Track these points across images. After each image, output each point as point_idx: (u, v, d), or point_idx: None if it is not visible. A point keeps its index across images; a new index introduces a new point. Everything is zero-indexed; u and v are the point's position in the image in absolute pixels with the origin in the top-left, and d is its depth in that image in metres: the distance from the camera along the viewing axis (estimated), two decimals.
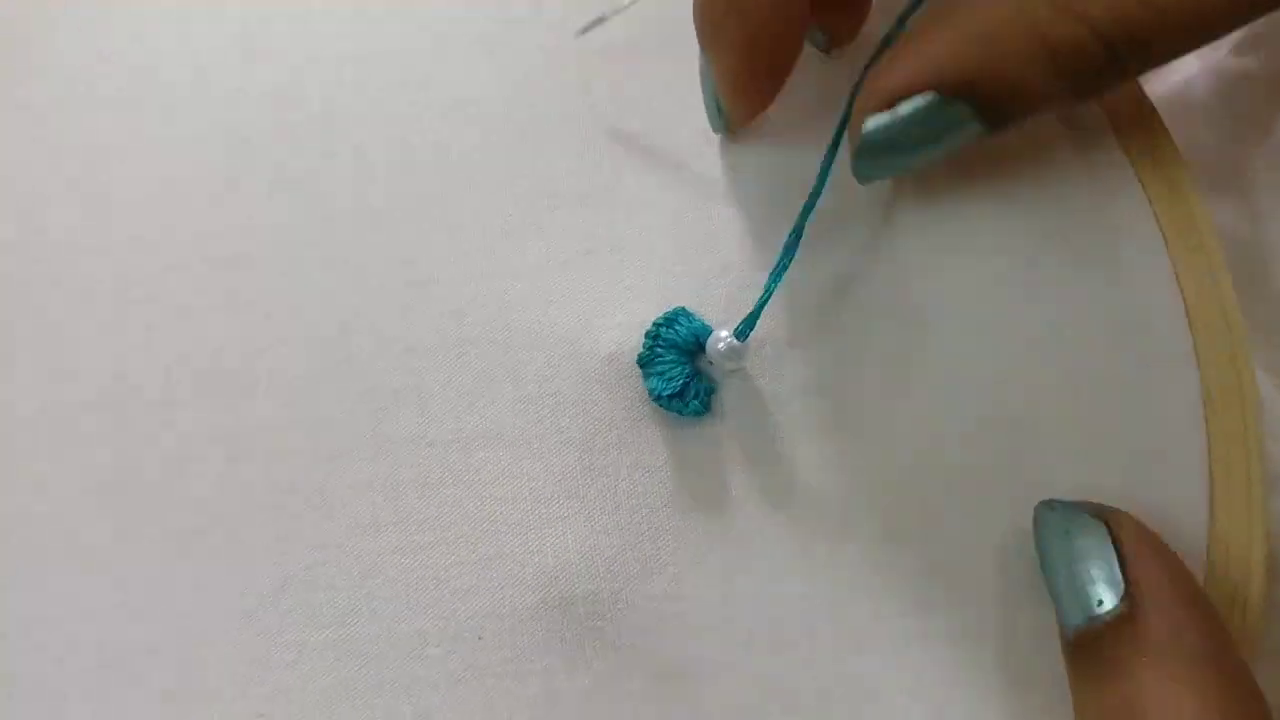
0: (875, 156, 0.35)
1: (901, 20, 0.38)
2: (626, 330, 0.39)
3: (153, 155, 0.41)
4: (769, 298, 0.37)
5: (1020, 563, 0.36)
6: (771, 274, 0.37)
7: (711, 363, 0.38)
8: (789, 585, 0.37)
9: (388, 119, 0.41)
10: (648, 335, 0.38)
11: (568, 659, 0.37)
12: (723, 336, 0.37)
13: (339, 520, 0.38)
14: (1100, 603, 0.32)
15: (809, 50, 0.40)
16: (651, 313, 0.39)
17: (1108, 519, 0.33)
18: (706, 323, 0.38)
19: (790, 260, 0.37)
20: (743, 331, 0.37)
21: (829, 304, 0.39)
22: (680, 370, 0.38)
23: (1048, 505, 0.35)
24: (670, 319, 0.38)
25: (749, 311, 0.37)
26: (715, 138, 0.40)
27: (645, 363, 0.38)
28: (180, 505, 0.38)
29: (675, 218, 0.40)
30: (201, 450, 0.39)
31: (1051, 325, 0.38)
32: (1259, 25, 0.45)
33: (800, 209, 0.37)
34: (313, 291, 0.40)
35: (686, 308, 0.38)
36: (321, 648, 0.37)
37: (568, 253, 0.40)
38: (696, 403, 0.37)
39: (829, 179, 0.37)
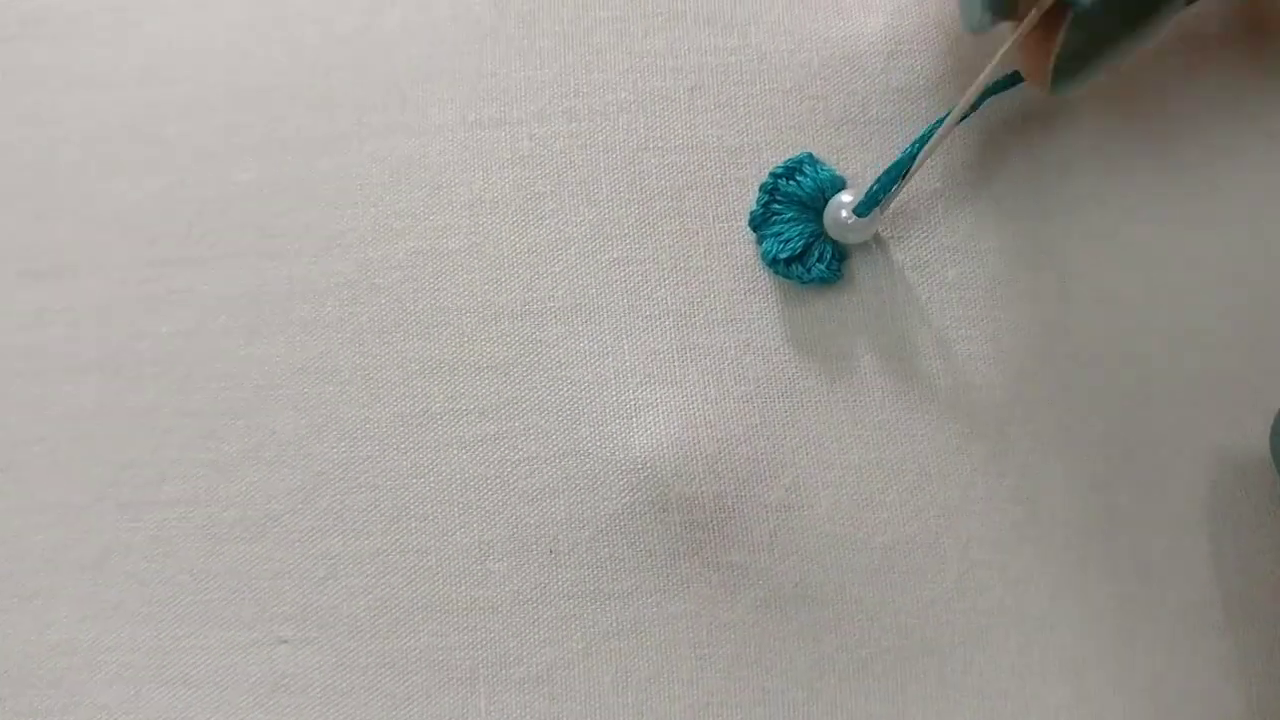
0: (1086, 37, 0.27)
1: None
2: (738, 182, 0.31)
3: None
4: (904, 171, 0.29)
5: (1231, 485, 0.29)
6: (916, 141, 0.29)
7: (831, 234, 0.31)
8: (934, 495, 0.30)
9: None
10: (763, 188, 0.31)
11: (658, 579, 0.30)
12: (845, 201, 0.30)
13: (382, 405, 0.31)
14: None
15: None
16: (773, 164, 0.31)
17: None
18: (838, 173, 0.31)
19: (941, 126, 0.29)
20: (865, 206, 0.30)
21: (993, 158, 0.31)
22: (801, 230, 0.30)
23: None
24: (792, 168, 0.31)
25: (876, 178, 0.30)
26: None
27: (759, 222, 0.31)
28: (200, 383, 0.32)
29: (803, 45, 0.32)
30: (222, 319, 0.32)
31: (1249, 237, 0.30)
32: None
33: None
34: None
35: (814, 154, 0.31)
36: (359, 559, 0.31)
37: (671, 87, 0.32)
38: (821, 267, 0.30)
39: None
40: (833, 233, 0.30)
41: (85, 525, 0.32)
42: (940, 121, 0.29)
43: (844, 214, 0.30)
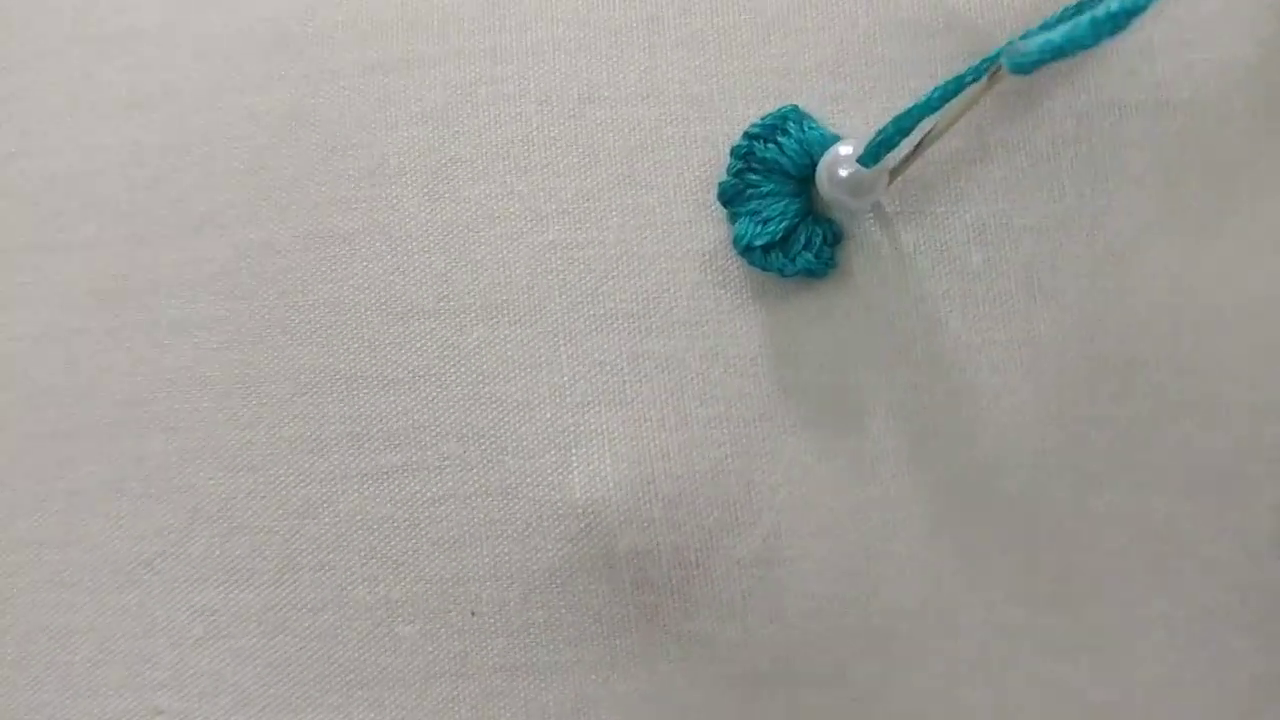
0: None
1: None
2: (706, 142, 0.25)
3: None
4: (924, 112, 0.23)
5: None
6: (945, 84, 0.23)
7: (825, 197, 0.24)
8: (952, 545, 0.24)
9: None
10: (735, 152, 0.24)
11: (604, 651, 0.25)
12: (843, 154, 0.23)
13: (267, 427, 0.26)
14: None
15: None
16: (750, 119, 0.25)
17: None
18: (828, 130, 0.24)
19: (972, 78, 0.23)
20: (871, 154, 0.23)
21: (1024, 113, 0.24)
22: (784, 208, 0.24)
23: None
24: (772, 126, 0.24)
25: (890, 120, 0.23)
26: None
27: (731, 196, 0.24)
28: (51, 398, 0.26)
29: None
30: (75, 319, 0.26)
31: None
32: None
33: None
34: None
35: (800, 107, 0.24)
36: (243, 616, 0.26)
37: (623, 18, 0.26)
38: (808, 255, 0.24)
39: None
40: (827, 194, 0.24)
41: None
42: (988, 61, 0.23)
43: (842, 171, 0.23)
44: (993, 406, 0.24)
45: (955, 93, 0.23)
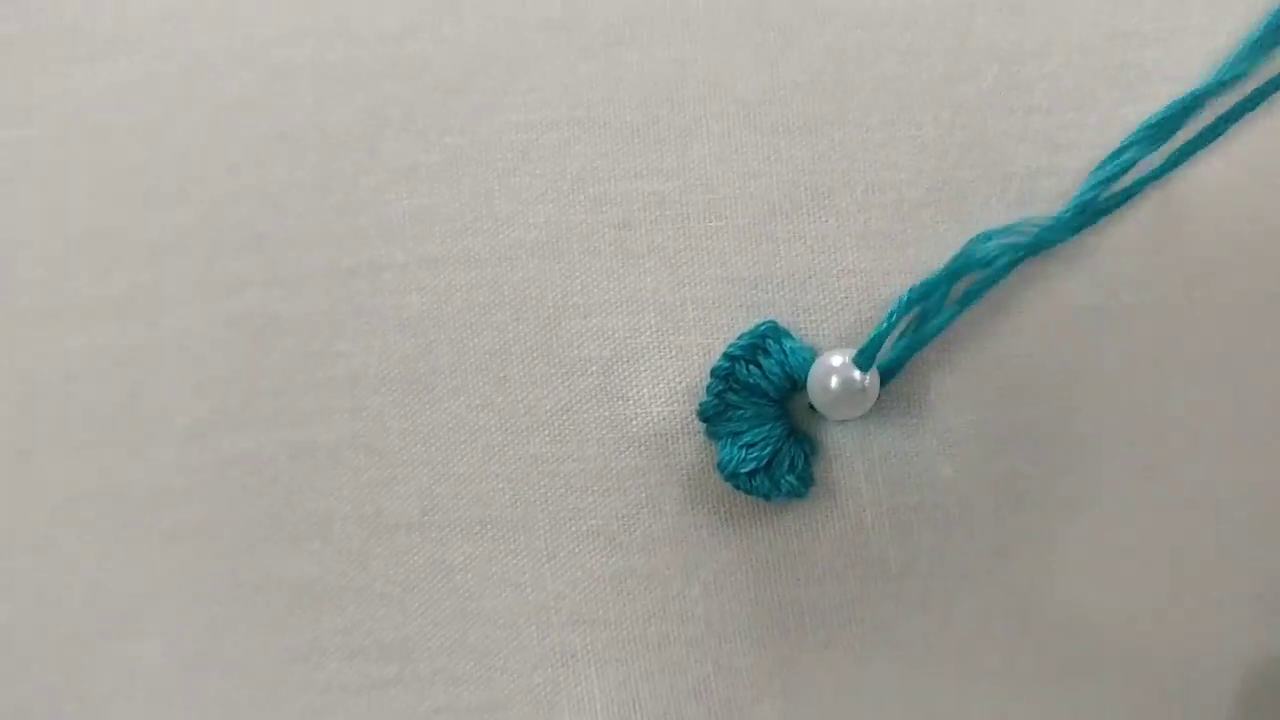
0: None
1: None
2: (681, 353, 0.25)
3: None
4: (904, 312, 0.23)
5: None
6: (928, 282, 0.23)
7: (814, 407, 0.24)
8: None
9: None
10: (716, 373, 0.24)
11: None
12: (834, 365, 0.23)
13: (264, 635, 0.26)
14: None
15: None
16: (723, 330, 0.24)
17: None
18: (808, 345, 0.24)
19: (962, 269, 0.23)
20: (865, 357, 0.23)
21: (1014, 315, 0.24)
22: (768, 432, 0.24)
23: None
24: (753, 344, 0.24)
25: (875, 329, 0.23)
26: None
27: (711, 416, 0.24)
28: (48, 604, 0.27)
29: (760, 170, 0.25)
30: (75, 529, 0.27)
31: None
32: None
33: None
34: None
35: (778, 323, 0.24)
36: None
37: (594, 223, 0.25)
38: (791, 479, 0.24)
39: None
40: (821, 407, 0.24)
41: None
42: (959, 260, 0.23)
43: (835, 382, 0.24)
44: (963, 616, 0.25)
45: (926, 295, 0.23)
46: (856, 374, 0.24)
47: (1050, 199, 0.25)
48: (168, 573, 0.26)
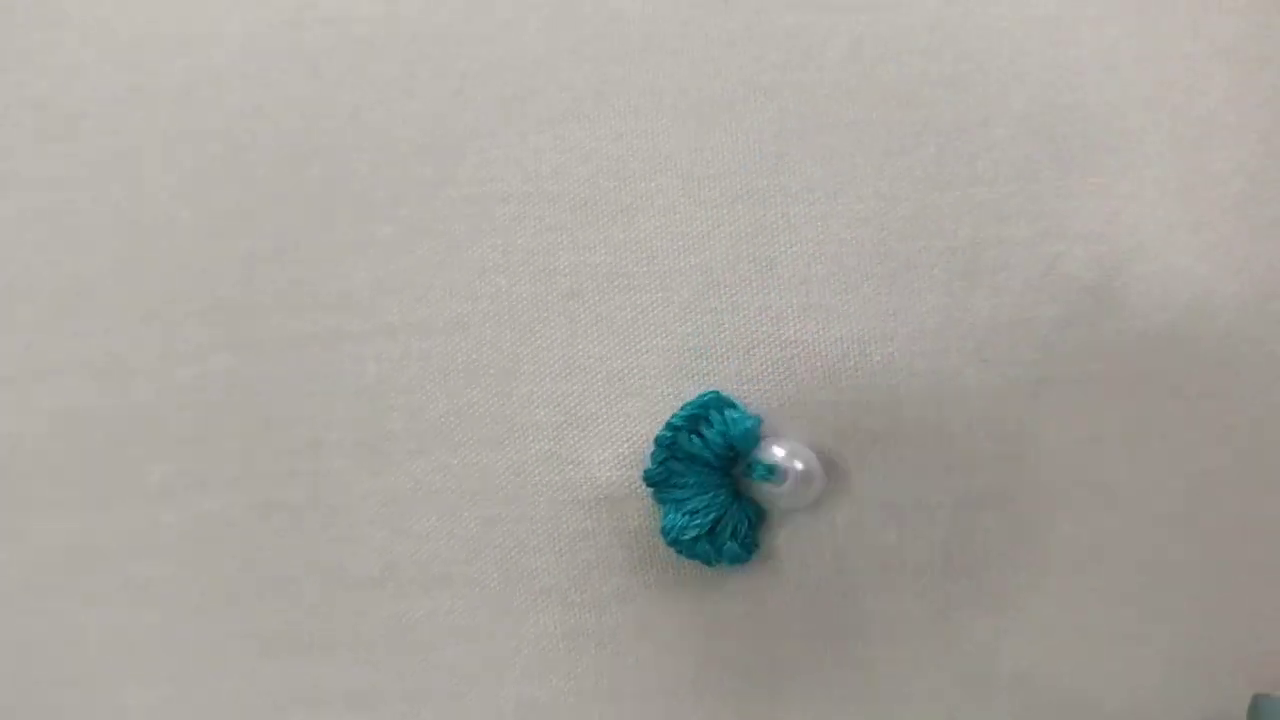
0: None
1: None
2: (627, 418, 0.26)
3: None
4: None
5: None
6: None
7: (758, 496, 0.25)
8: None
9: None
10: (659, 442, 0.25)
11: None
12: (777, 458, 0.24)
13: (235, 681, 0.27)
14: None
15: None
16: (668, 397, 0.25)
17: None
18: (751, 414, 0.25)
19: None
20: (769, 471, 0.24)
21: (938, 393, 0.25)
22: (710, 500, 0.25)
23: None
24: (695, 415, 0.25)
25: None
26: None
27: (657, 482, 0.25)
28: (32, 650, 0.28)
29: (703, 242, 0.26)
30: (54, 578, 0.28)
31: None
32: None
33: None
34: None
35: (721, 393, 0.25)
36: None
37: (544, 293, 0.26)
38: (734, 545, 0.25)
39: None
40: (770, 498, 0.25)
41: None
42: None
43: (783, 486, 0.25)
44: (910, 676, 0.25)
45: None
46: (796, 467, 0.24)
47: (994, 270, 0.25)
48: (143, 623, 0.28)
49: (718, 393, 0.25)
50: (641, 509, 0.26)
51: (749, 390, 0.25)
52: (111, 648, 0.28)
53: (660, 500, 0.25)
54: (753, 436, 0.25)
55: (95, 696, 0.28)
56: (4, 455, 0.28)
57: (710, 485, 0.25)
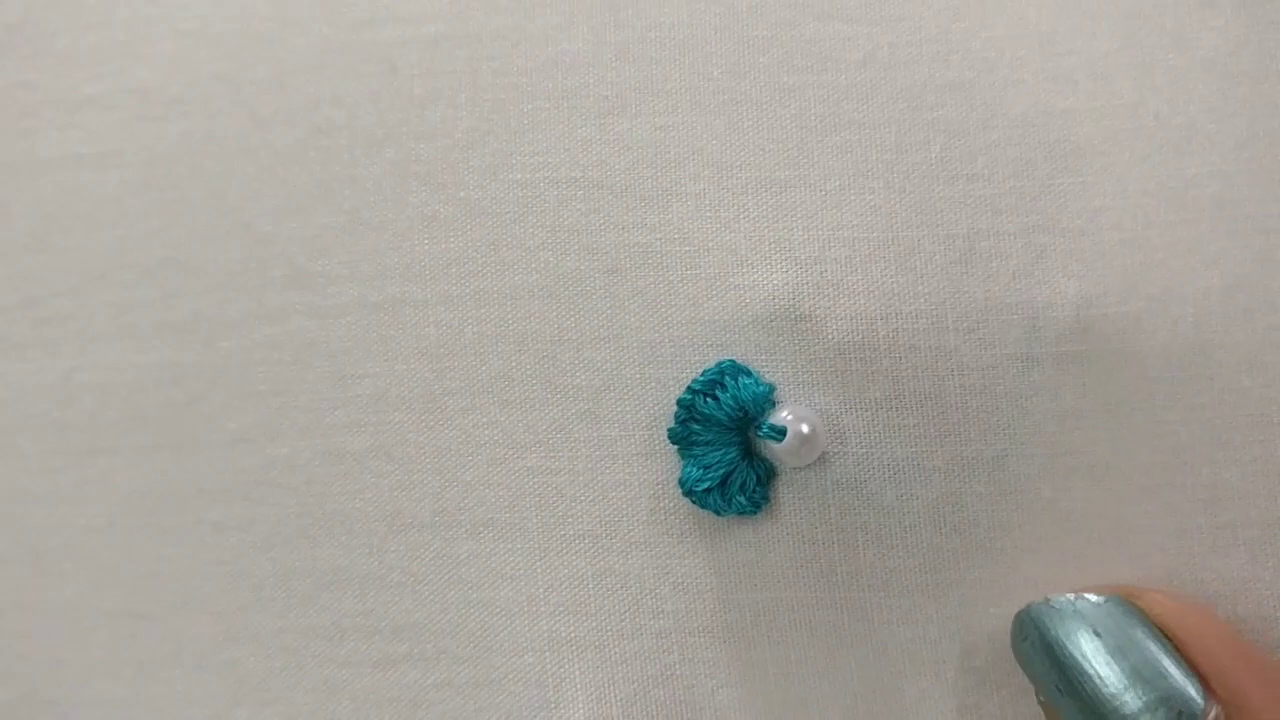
0: None
1: None
2: (658, 384, 0.29)
3: None
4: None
5: None
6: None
7: (768, 454, 0.28)
8: None
9: None
10: (680, 403, 0.28)
11: None
12: (783, 419, 0.27)
13: (296, 616, 0.30)
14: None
15: None
16: (694, 365, 0.28)
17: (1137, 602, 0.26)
18: (766, 383, 0.28)
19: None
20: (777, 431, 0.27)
21: (936, 366, 0.28)
22: (721, 456, 0.28)
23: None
24: (711, 381, 0.28)
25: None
26: None
27: (678, 440, 0.28)
28: (117, 581, 0.31)
29: (730, 225, 0.29)
30: (135, 516, 0.31)
31: None
32: None
33: None
34: None
35: (736, 361, 0.28)
36: None
37: (587, 269, 0.29)
38: (741, 499, 0.28)
39: None
40: (776, 457, 0.28)
41: None
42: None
43: (786, 443, 0.27)
44: (902, 622, 0.28)
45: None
46: (803, 430, 0.27)
47: (989, 257, 0.28)
48: (216, 559, 0.31)
49: (734, 360, 0.28)
50: (666, 465, 0.29)
51: (765, 360, 0.28)
52: (187, 579, 0.31)
53: (681, 455, 0.28)
54: (764, 401, 0.28)
55: (166, 623, 0.31)
56: (93, 405, 0.31)
57: (724, 444, 0.28)
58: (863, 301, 0.28)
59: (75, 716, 0.31)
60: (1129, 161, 0.28)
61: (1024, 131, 0.28)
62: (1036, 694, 0.26)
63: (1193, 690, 0.24)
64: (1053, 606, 0.25)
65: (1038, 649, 0.25)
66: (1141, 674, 0.24)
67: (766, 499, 0.28)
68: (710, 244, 0.28)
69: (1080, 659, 0.25)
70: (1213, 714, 0.24)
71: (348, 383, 0.30)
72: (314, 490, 0.30)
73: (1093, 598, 0.26)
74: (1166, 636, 0.25)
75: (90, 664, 0.31)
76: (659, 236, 0.29)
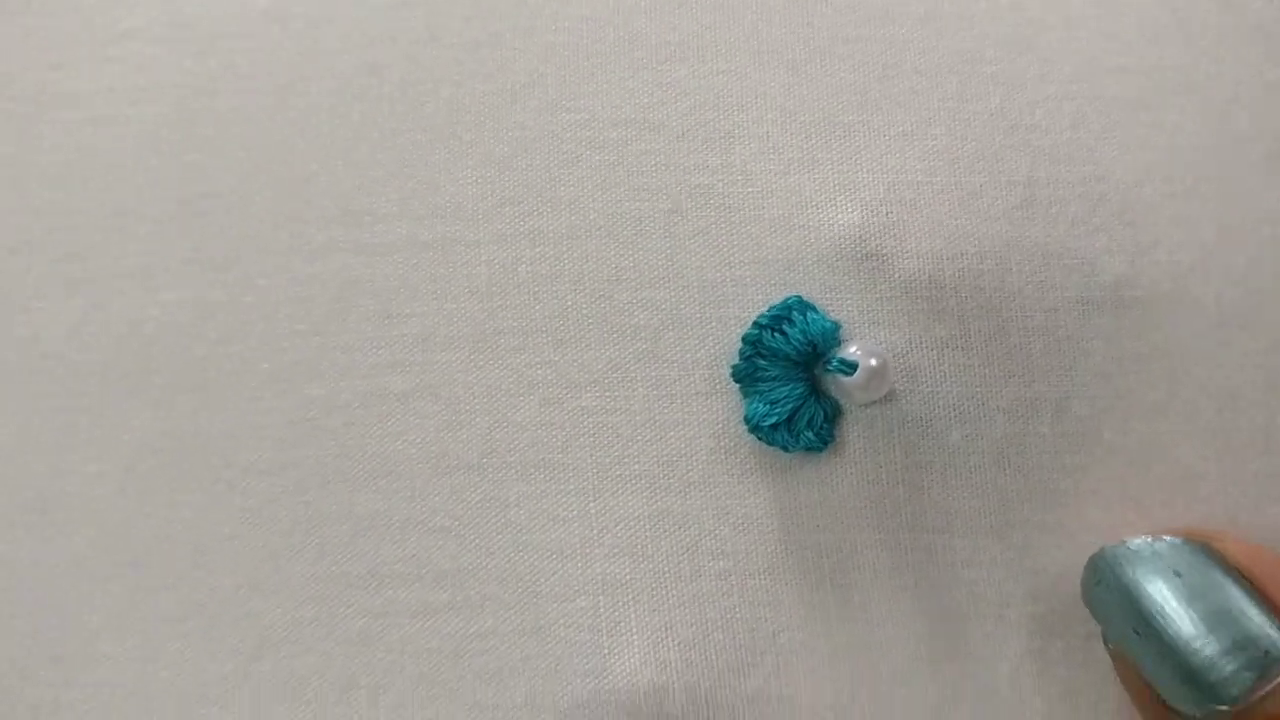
0: None
1: None
2: (720, 323, 0.28)
3: None
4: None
5: None
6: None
7: (835, 391, 0.28)
8: (927, 683, 0.27)
9: None
10: (746, 339, 0.28)
11: None
12: (852, 353, 0.27)
13: (329, 563, 0.29)
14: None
15: None
16: (758, 304, 0.28)
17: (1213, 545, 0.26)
18: (833, 319, 0.28)
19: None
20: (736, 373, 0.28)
21: (1000, 307, 0.28)
22: (789, 391, 0.27)
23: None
24: (779, 317, 0.27)
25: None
26: None
27: (742, 377, 0.28)
28: (133, 532, 0.30)
29: (793, 168, 0.29)
30: (153, 462, 0.30)
31: None
32: None
33: None
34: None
35: (803, 298, 0.28)
36: None
37: (646, 209, 0.29)
38: (810, 434, 0.27)
39: None
40: (840, 391, 0.28)
41: (7, 686, 0.30)
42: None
43: (857, 377, 0.27)
44: (966, 564, 0.28)
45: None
46: (872, 364, 0.27)
47: (1049, 204, 0.28)
48: (242, 505, 0.29)
49: (800, 297, 0.28)
50: (726, 404, 0.28)
51: (830, 299, 0.28)
52: (208, 528, 0.29)
53: (745, 393, 0.28)
54: (832, 336, 0.27)
55: (190, 575, 0.29)
56: (110, 346, 0.30)
57: (790, 379, 0.28)
58: (929, 242, 0.28)
59: (81, 674, 0.29)
60: (1179, 120, 0.29)
61: (1079, 86, 0.29)
62: (1105, 640, 0.26)
63: (1274, 632, 0.24)
64: (1130, 549, 0.26)
65: (1113, 592, 0.25)
66: (1222, 616, 0.24)
67: (833, 436, 0.28)
68: (774, 186, 0.28)
69: (1160, 601, 0.25)
70: None
71: (393, 322, 0.29)
72: (353, 432, 0.29)
73: (1170, 539, 0.26)
74: (1245, 579, 0.25)
75: (99, 619, 0.30)
76: (721, 178, 0.29)
